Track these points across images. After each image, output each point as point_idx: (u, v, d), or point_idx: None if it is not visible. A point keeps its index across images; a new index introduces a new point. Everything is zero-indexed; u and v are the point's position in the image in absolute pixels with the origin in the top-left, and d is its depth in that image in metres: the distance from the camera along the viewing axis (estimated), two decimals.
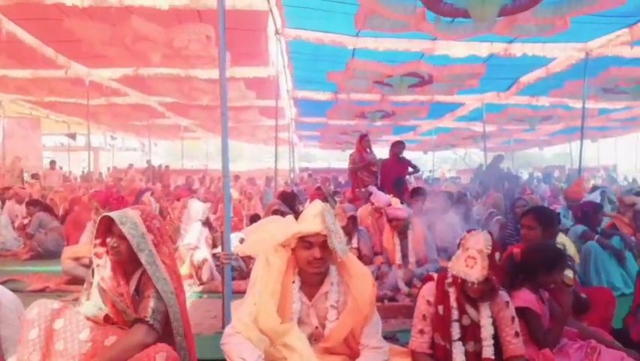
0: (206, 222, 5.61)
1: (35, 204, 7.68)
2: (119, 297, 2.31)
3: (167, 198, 11.50)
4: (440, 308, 2.40)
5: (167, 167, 20.73)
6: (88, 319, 2.30)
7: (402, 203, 4.72)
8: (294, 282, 2.28)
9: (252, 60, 9.47)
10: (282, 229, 2.31)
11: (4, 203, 8.97)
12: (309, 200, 7.16)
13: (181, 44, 8.03)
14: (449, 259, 4.98)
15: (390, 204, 4.37)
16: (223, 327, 3.27)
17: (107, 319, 2.35)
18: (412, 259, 4.35)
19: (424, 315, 2.44)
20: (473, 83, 9.55)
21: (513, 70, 9.37)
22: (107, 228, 2.35)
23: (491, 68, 8.70)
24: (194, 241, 5.02)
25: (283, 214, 5.24)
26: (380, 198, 4.55)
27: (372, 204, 5.15)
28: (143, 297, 2.25)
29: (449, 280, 2.41)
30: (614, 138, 21.40)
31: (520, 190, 9.89)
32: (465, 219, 6.44)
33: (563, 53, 8.11)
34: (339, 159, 35.22)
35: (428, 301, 2.45)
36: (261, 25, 7.73)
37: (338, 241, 2.19)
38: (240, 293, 4.23)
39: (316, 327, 2.28)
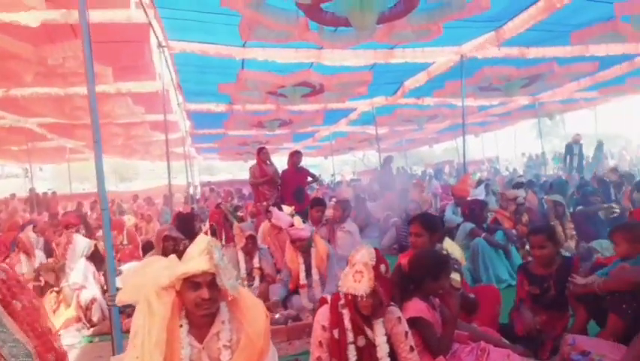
0: (96, 255, 5.17)
1: None
2: None
3: (56, 229, 10.57)
4: (335, 332, 2.38)
5: (54, 193, 19.17)
6: None
7: (303, 221, 4.70)
8: (181, 326, 2.12)
9: (138, 74, 9.01)
10: (164, 270, 2.15)
11: None
12: (210, 220, 6.92)
13: (56, 62, 7.43)
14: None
15: (292, 225, 4.31)
16: None
17: None
18: (315, 277, 4.34)
19: (320, 341, 2.41)
20: (362, 90, 9.86)
21: (397, 75, 9.80)
22: None
23: (377, 74, 9.04)
24: (79, 280, 4.58)
25: (176, 240, 5.03)
26: (282, 219, 4.49)
27: (270, 220, 5.08)
28: None
29: (342, 301, 2.40)
30: (494, 132, 23.22)
31: (415, 187, 10.39)
32: (365, 223, 6.59)
33: (440, 57, 8.64)
34: (242, 169, 34.82)
35: (323, 327, 2.42)
36: (142, 37, 7.35)
37: (227, 278, 2.07)
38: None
39: None
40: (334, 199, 7.71)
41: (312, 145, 19.45)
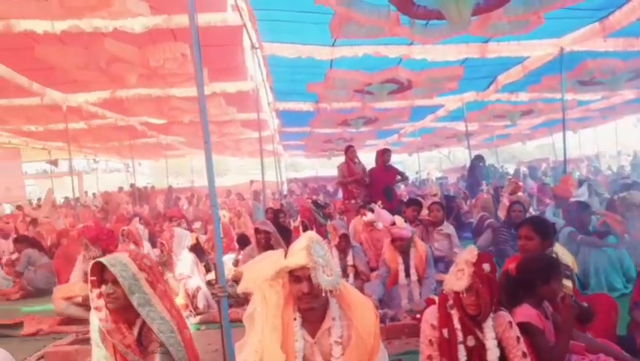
0: (196, 247, 5.49)
1: (23, 241, 7.48)
2: (127, 348, 2.21)
3: (156, 221, 11.36)
4: (445, 331, 2.37)
5: (152, 187, 20.51)
6: None
7: (405, 221, 4.66)
8: (295, 319, 2.20)
9: (231, 75, 9.41)
10: (272, 263, 2.24)
11: None
12: (301, 217, 7.07)
13: (157, 64, 7.92)
14: (446, 267, 4.96)
15: (394, 223, 4.28)
16: None
17: None
18: (414, 277, 4.29)
19: (430, 340, 2.41)
20: (452, 85, 9.57)
21: (490, 69, 9.40)
22: (100, 276, 2.26)
23: (469, 69, 8.72)
24: (186, 271, 4.89)
25: (267, 234, 5.20)
26: (384, 217, 4.46)
27: (364, 215, 5.07)
28: (148, 352, 2.16)
29: (450, 302, 2.38)
30: (594, 128, 21.64)
31: (506, 185, 9.91)
32: (457, 224, 6.39)
33: (538, 50, 8.16)
34: (325, 166, 35.24)
35: (432, 325, 2.41)
36: (236, 40, 7.66)
37: (327, 275, 2.10)
38: (238, 322, 4.14)
39: None
40: (430, 198, 7.51)
41: (397, 142, 19.22)
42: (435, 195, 9.06)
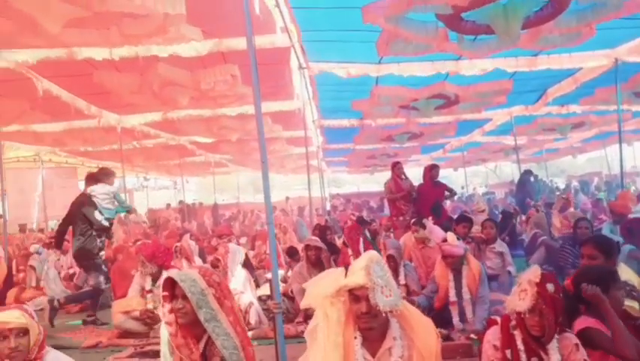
0: (245, 263, 5.61)
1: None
2: None
3: (204, 237, 11.64)
4: (508, 353, 2.33)
5: (200, 203, 21.01)
6: None
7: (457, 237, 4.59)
8: (355, 338, 2.21)
9: (277, 95, 9.60)
10: (331, 282, 2.27)
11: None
12: (345, 235, 7.06)
13: (207, 86, 8.20)
14: (499, 286, 4.85)
15: (446, 240, 4.22)
16: None
17: None
18: (466, 296, 4.20)
19: (492, 360, 2.36)
20: (501, 99, 9.42)
21: (540, 82, 9.21)
22: (171, 292, 2.36)
23: (518, 82, 8.57)
24: (240, 287, 4.98)
25: (318, 251, 5.24)
26: (436, 233, 4.41)
27: (415, 232, 5.02)
28: None
29: (513, 322, 2.34)
30: None
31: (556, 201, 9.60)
32: (509, 241, 6.23)
33: (590, 61, 7.94)
34: (367, 182, 35.12)
35: (494, 346, 2.38)
36: (283, 60, 7.84)
37: (385, 295, 2.11)
38: (291, 338, 4.19)
39: None
40: (478, 214, 7.39)
41: (442, 157, 18.99)
42: (482, 211, 8.90)
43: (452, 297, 4.23)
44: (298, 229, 12.41)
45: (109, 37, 6.30)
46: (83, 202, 5.35)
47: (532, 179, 11.98)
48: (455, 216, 9.01)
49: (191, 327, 2.33)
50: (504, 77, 8.34)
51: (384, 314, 2.13)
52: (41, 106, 8.93)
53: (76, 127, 11.01)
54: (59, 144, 13.14)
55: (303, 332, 4.56)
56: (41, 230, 15.38)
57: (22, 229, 16.11)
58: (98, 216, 5.27)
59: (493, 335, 2.42)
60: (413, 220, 5.92)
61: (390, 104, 9.23)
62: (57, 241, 6.11)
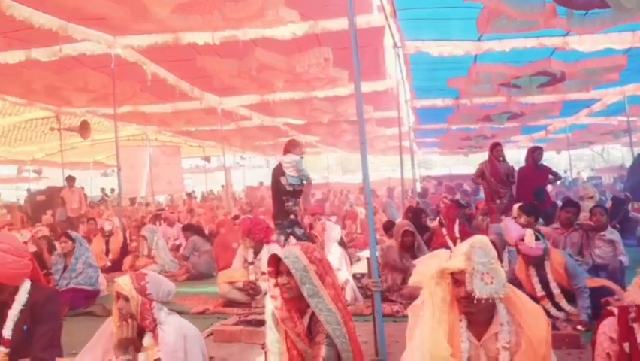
0: (340, 241, 5.73)
1: (190, 229, 8.33)
2: (298, 337, 2.42)
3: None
4: (626, 346, 2.19)
5: None
6: None
7: (545, 223, 4.33)
8: (461, 320, 2.21)
9: (369, 75, 9.55)
10: (437, 263, 2.28)
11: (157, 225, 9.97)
12: (442, 214, 6.94)
13: (302, 70, 8.37)
14: (608, 276, 4.53)
15: (522, 240, 4.00)
16: (376, 354, 3.30)
17: None
18: (555, 290, 3.95)
19: (607, 353, 2.26)
20: (613, 77, 8.64)
21: None
22: (276, 268, 2.50)
23: (634, 58, 7.80)
24: (336, 264, 5.09)
25: (413, 235, 5.21)
26: (511, 232, 4.15)
27: (520, 217, 4.79)
28: (315, 342, 2.33)
29: (632, 314, 2.20)
30: None
31: None
32: (622, 229, 5.79)
33: None
34: (459, 164, 33.97)
35: (611, 338, 2.25)
36: (377, 40, 7.78)
37: (485, 282, 2.07)
38: (386, 316, 4.24)
39: None
40: (585, 200, 6.92)
41: (544, 138, 17.85)
42: (591, 197, 8.31)
43: (539, 291, 3.98)
44: (387, 209, 12.35)
45: (211, 22, 6.65)
46: (277, 171, 5.94)
47: None
48: (559, 202, 8.53)
49: (296, 301, 2.44)
50: (617, 53, 7.64)
51: (483, 301, 2.10)
52: (149, 88, 9.67)
53: (180, 108, 11.77)
54: (165, 124, 14.14)
55: (398, 311, 4.67)
56: (147, 204, 16.70)
57: (133, 202, 17.65)
58: (283, 181, 5.77)
59: (609, 327, 2.28)
60: (519, 205, 5.65)
61: (489, 82, 8.84)
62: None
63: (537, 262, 4.02)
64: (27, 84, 9.16)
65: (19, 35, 6.97)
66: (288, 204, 5.89)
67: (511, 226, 4.18)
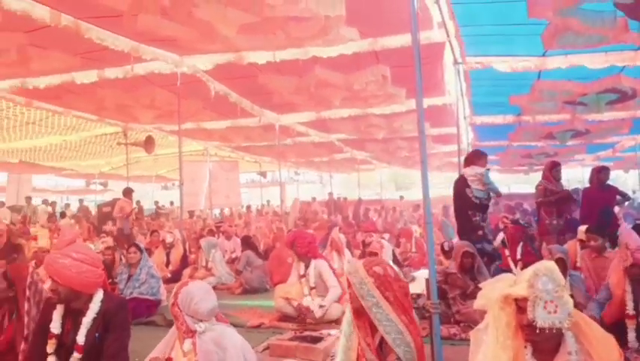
0: (394, 259, 5.67)
1: (247, 242, 8.49)
2: (368, 346, 2.45)
3: (349, 231, 11.98)
4: None
5: (345, 198, 21.65)
6: None
7: (612, 246, 4.11)
8: (526, 347, 2.14)
9: (428, 92, 9.47)
10: (500, 288, 2.22)
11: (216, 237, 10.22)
12: (504, 235, 6.73)
13: (360, 87, 8.44)
14: None
15: None
16: None
17: None
18: None
19: None
20: None
21: None
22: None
23: None
24: None
25: (473, 256, 5.08)
26: (634, 239, 3.92)
27: (585, 241, 4.56)
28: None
29: None
30: None
31: None
32: None
33: None
34: (519, 182, 32.78)
35: None
36: (437, 57, 7.71)
37: (548, 311, 1.99)
38: (445, 339, 4.15)
39: None
40: None
41: (611, 157, 17.01)
42: None
43: (630, 310, 3.80)
44: (444, 228, 12.12)
45: (274, 41, 6.83)
46: (460, 184, 5.90)
47: None
48: (627, 224, 8.05)
49: (365, 312, 2.46)
50: None
51: (547, 330, 2.01)
52: (212, 105, 10.02)
53: (239, 125, 12.10)
54: (224, 140, 14.58)
55: (455, 334, 4.56)
56: (204, 219, 17.18)
57: (191, 215, 18.21)
58: (469, 194, 5.73)
59: None
60: (587, 227, 5.38)
61: (553, 99, 8.54)
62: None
63: (637, 278, 3.85)
64: (99, 102, 9.70)
65: (94, 56, 7.42)
66: (475, 219, 5.76)
67: (631, 234, 3.96)
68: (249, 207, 18.39)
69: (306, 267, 5.44)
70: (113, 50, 6.85)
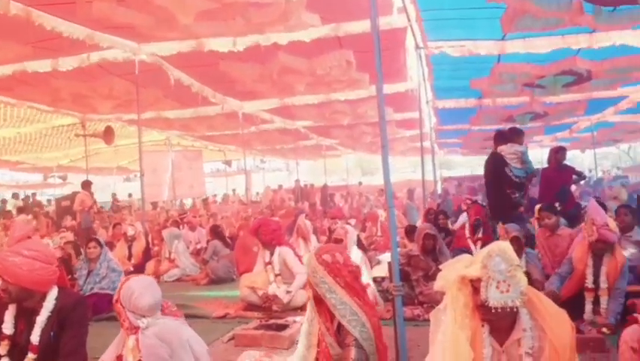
0: (359, 244, 5.67)
1: (215, 231, 8.35)
2: (327, 331, 2.44)
3: (315, 217, 12.00)
4: None
5: (312, 185, 21.66)
6: None
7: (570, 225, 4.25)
8: (483, 325, 2.17)
9: (390, 77, 9.50)
10: (458, 268, 2.24)
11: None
12: (467, 215, 6.85)
13: (323, 72, 8.37)
14: (636, 279, 4.41)
15: (607, 224, 3.93)
16: (397, 358, 3.26)
17: None
18: (603, 285, 3.91)
19: None
20: None
21: None
22: None
23: None
24: None
25: (435, 238, 5.15)
26: (600, 215, 4.04)
27: (544, 218, 4.68)
28: (345, 344, 2.33)
29: None
30: None
31: None
32: None
33: None
34: (481, 164, 33.51)
35: (632, 348, 2.18)
36: (399, 42, 7.72)
37: (500, 290, 2.03)
38: (407, 320, 4.20)
39: None
40: (612, 201, 6.75)
41: (568, 137, 17.55)
42: (615, 198, 8.13)
43: (589, 284, 3.97)
44: (408, 212, 12.27)
45: (234, 27, 6.69)
46: (495, 161, 5.67)
47: None
48: (583, 203, 8.33)
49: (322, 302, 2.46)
50: None
51: (500, 310, 2.05)
52: (172, 94, 9.78)
53: (202, 113, 11.87)
54: (187, 129, 14.30)
55: (419, 315, 4.63)
56: (167, 210, 16.88)
57: (154, 206, 17.86)
58: (508, 172, 5.57)
59: (631, 336, 2.21)
60: (540, 206, 5.53)
61: (513, 82, 8.70)
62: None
63: (599, 254, 3.98)
64: (54, 92, 9.34)
65: (47, 44, 7.10)
66: (514, 196, 5.66)
67: (599, 211, 4.08)
68: (206, 199, 18.09)
69: (271, 254, 5.42)
70: (68, 38, 6.60)
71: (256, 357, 2.47)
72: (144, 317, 2.49)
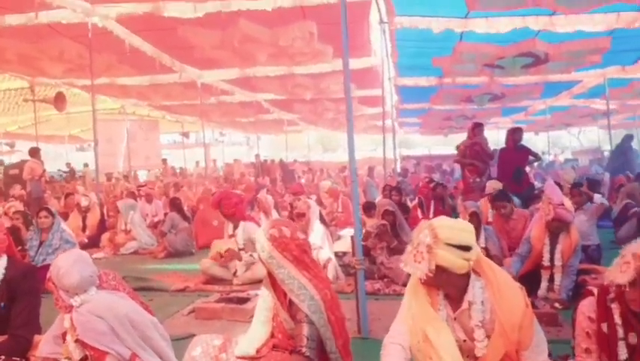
0: (321, 219, 5.69)
1: (175, 203, 8.10)
2: (281, 305, 2.40)
3: (276, 193, 11.96)
4: (604, 326, 2.22)
5: (272, 160, 21.49)
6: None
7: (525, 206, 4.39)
8: (438, 295, 2.21)
9: (354, 52, 9.43)
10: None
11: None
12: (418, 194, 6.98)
13: (286, 43, 8.20)
14: (587, 257, 4.63)
15: (563, 204, 4.03)
16: (359, 331, 3.31)
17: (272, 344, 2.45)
18: (558, 263, 4.06)
19: (587, 332, 2.27)
20: (595, 59, 8.70)
21: None
22: None
23: (617, 41, 7.84)
24: (318, 242, 5.07)
25: (394, 214, 5.22)
26: (556, 193, 4.17)
27: (500, 207, 4.84)
28: (296, 320, 2.30)
29: (612, 295, 2.22)
30: None
31: None
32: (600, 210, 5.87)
33: None
34: (439, 144, 34.19)
35: (590, 318, 2.27)
36: (363, 16, 7.66)
37: (416, 260, 2.10)
38: (370, 294, 4.26)
39: (464, 340, 2.18)
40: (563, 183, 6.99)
41: (524, 120, 18.07)
42: (565, 180, 8.42)
43: (546, 261, 4.12)
44: (368, 189, 12.37)
45: None
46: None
47: (633, 146, 11.06)
48: (537, 183, 8.66)
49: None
50: (602, 35, 7.67)
51: (424, 279, 2.09)
52: (128, 60, 9.38)
53: (159, 81, 11.47)
54: (143, 98, 13.79)
55: (379, 289, 4.70)
56: (126, 177, 16.40)
57: (109, 177, 17.28)
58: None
59: (588, 307, 2.30)
60: (496, 194, 5.67)
61: (473, 61, 8.81)
62: None
63: (555, 232, 4.11)
64: (0, 53, 8.79)
65: None
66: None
67: (556, 191, 4.20)
68: (164, 160, 17.61)
69: (235, 227, 5.36)
70: None
71: (207, 341, 2.39)
72: (77, 295, 2.35)
